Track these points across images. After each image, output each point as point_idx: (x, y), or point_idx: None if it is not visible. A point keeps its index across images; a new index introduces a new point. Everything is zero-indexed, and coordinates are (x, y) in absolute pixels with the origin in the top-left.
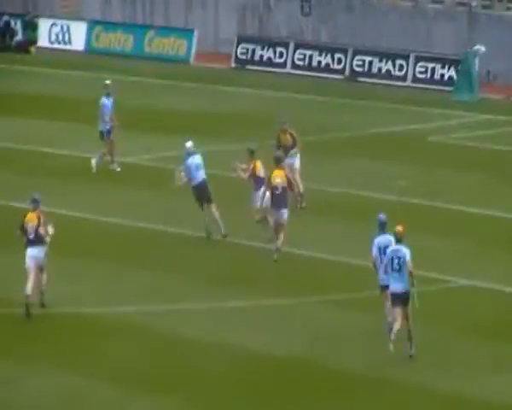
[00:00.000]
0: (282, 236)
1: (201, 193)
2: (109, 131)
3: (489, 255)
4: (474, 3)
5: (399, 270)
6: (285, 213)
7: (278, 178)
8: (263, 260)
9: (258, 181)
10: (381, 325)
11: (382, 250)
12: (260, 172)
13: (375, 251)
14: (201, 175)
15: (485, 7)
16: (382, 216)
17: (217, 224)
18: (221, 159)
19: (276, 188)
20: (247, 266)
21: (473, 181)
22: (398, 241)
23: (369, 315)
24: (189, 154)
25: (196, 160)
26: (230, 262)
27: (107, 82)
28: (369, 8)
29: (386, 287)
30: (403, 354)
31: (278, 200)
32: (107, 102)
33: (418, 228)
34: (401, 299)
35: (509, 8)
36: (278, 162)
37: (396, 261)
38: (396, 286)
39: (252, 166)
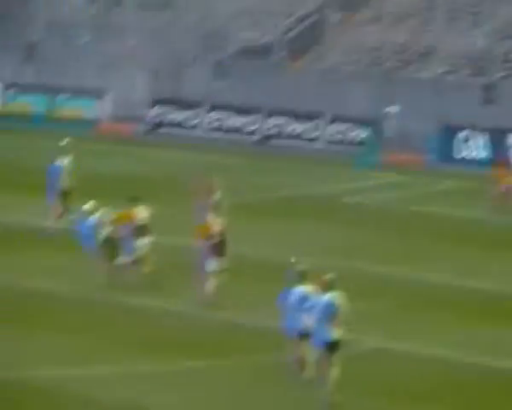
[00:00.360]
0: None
1: (108, 249)
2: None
3: (407, 317)
4: (386, 64)
5: (332, 319)
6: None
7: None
8: (177, 324)
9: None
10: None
11: (301, 300)
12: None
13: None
14: (104, 233)
15: (397, 68)
16: (301, 266)
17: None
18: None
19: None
20: (162, 329)
21: (387, 241)
22: (328, 290)
23: (278, 379)
24: (89, 215)
25: (98, 219)
26: (145, 325)
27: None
28: (282, 70)
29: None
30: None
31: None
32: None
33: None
34: (333, 347)
35: (420, 70)
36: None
37: (330, 310)
38: (329, 335)
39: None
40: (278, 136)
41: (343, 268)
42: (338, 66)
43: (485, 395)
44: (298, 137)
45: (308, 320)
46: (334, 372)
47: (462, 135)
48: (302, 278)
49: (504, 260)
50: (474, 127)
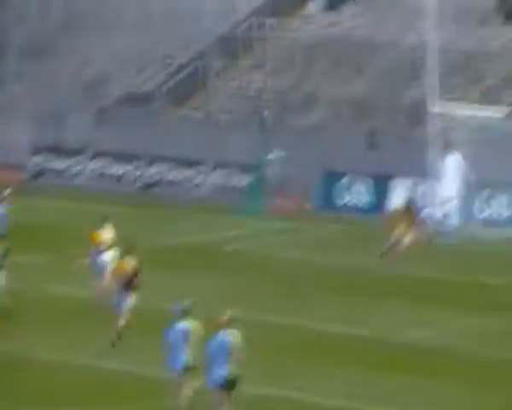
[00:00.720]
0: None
1: None
2: None
3: (286, 364)
4: (266, 112)
5: (228, 357)
6: None
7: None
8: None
9: None
10: None
11: (184, 336)
12: None
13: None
14: None
15: (279, 115)
16: (185, 303)
17: None
18: None
19: None
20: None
21: (268, 289)
22: (226, 328)
23: None
24: None
25: None
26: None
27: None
28: (164, 117)
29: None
30: None
31: None
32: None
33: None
34: (230, 385)
35: (302, 116)
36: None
37: (226, 347)
38: (224, 373)
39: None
40: (160, 183)
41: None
42: (220, 112)
43: None
44: (179, 184)
45: (190, 356)
46: None
47: (344, 181)
48: (185, 314)
49: (386, 308)
50: (356, 173)
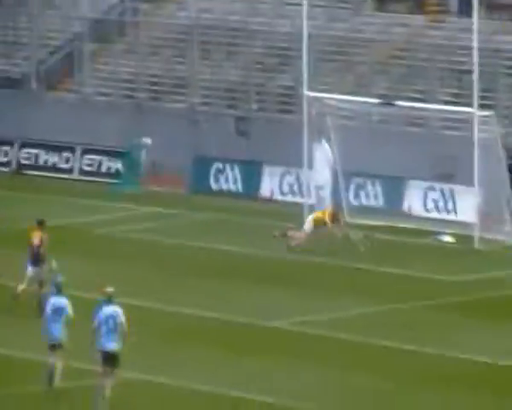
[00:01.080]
0: None
1: None
2: None
3: (165, 350)
4: (140, 95)
5: (112, 331)
6: None
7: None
8: None
9: None
10: None
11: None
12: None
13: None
14: None
15: (151, 99)
16: (59, 278)
17: None
18: None
19: None
20: None
21: (140, 273)
22: (108, 302)
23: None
24: None
25: None
26: None
27: None
28: (35, 100)
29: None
30: None
31: None
32: None
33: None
34: (111, 358)
35: (174, 101)
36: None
37: (111, 321)
38: (108, 345)
39: None
40: (32, 167)
41: (93, 302)
42: (92, 97)
43: None
44: (51, 168)
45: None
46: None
47: (215, 166)
48: (59, 289)
49: (265, 293)
50: (227, 159)
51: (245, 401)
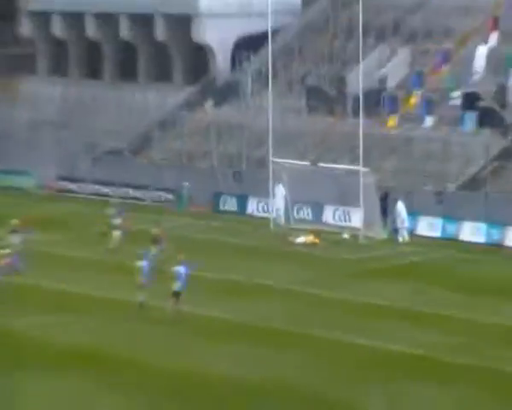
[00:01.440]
0: None
1: None
2: None
3: None
4: (184, 160)
5: None
6: None
7: None
8: None
9: None
10: None
11: None
12: None
13: None
14: None
15: (189, 161)
16: None
17: None
18: None
19: None
20: None
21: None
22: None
23: None
24: None
25: None
26: None
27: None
28: (127, 163)
29: None
30: None
31: None
32: None
33: None
34: None
35: (201, 163)
36: None
37: None
38: None
39: None
40: (127, 198)
41: None
42: (159, 160)
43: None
44: (137, 198)
45: None
46: None
47: (223, 198)
48: None
49: None
50: (229, 194)
51: None
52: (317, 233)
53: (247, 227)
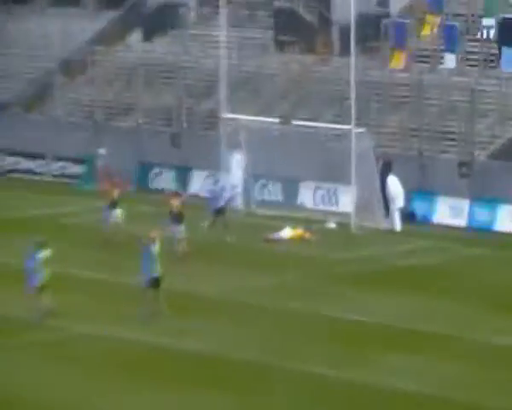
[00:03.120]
0: None
1: None
2: None
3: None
4: (97, 116)
5: None
6: None
7: None
8: None
9: None
10: None
11: None
12: None
13: None
14: None
15: (106, 119)
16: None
17: None
18: None
19: None
20: None
21: (92, 254)
22: None
23: None
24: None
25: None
26: None
27: None
28: (17, 120)
29: None
30: None
31: None
32: None
33: None
34: None
35: (124, 121)
36: None
37: None
38: None
39: None
40: (15, 171)
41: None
42: (61, 118)
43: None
44: (28, 171)
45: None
46: None
47: (155, 171)
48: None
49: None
50: (163, 165)
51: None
52: (306, 225)
53: (189, 213)
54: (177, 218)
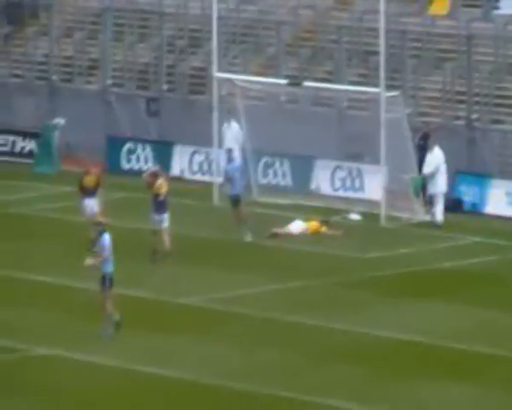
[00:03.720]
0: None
1: None
2: None
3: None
4: (54, 77)
5: None
6: None
7: None
8: None
9: None
10: None
11: None
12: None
13: None
14: None
15: (64, 80)
16: None
17: None
18: None
19: None
20: None
21: (55, 251)
22: None
23: None
24: None
25: None
26: None
27: None
28: None
29: None
30: None
31: None
32: None
33: None
34: None
35: (87, 82)
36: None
37: None
38: None
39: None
40: None
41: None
42: (5, 78)
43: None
44: None
45: None
46: None
47: (127, 146)
48: None
49: (173, 270)
50: (138, 139)
51: (144, 374)
52: (322, 217)
53: (173, 202)
54: (161, 204)
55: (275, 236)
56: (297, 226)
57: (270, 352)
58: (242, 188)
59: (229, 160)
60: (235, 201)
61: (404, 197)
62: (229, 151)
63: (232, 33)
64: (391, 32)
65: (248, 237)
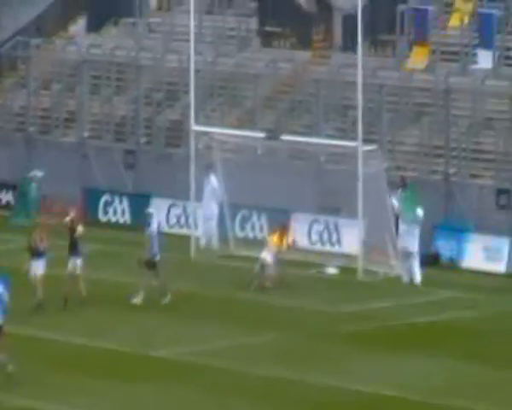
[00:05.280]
0: None
1: None
2: None
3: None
4: (31, 129)
5: None
6: None
7: None
8: None
9: None
10: None
11: None
12: None
13: None
14: None
15: (41, 132)
16: None
17: None
18: None
19: None
20: None
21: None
22: None
23: None
24: None
25: None
26: None
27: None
28: None
29: None
30: None
31: None
32: None
33: None
34: None
35: (64, 135)
36: None
37: None
38: None
39: None
40: None
41: None
42: None
43: None
44: None
45: None
46: None
47: (104, 199)
48: None
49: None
50: (115, 191)
51: None
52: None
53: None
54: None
55: (263, 287)
56: (268, 256)
57: (240, 403)
58: (158, 251)
59: (148, 224)
60: (152, 263)
61: (381, 252)
62: (149, 215)
63: (209, 86)
64: (368, 86)
65: (138, 300)
